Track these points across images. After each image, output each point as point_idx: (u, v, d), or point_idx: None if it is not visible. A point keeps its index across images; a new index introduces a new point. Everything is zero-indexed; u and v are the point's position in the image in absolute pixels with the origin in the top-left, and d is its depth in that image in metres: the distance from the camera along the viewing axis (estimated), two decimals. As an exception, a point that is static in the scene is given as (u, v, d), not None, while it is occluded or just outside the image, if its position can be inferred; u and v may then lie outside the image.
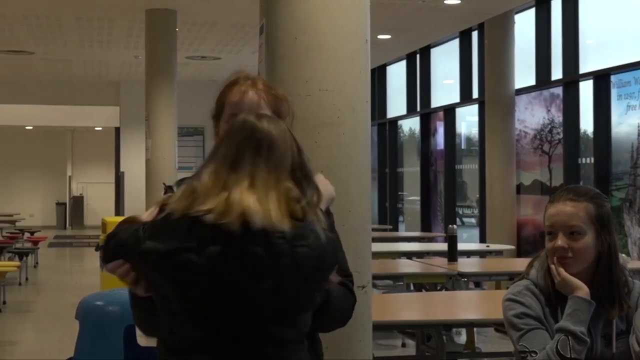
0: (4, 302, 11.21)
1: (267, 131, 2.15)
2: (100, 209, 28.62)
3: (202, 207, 2.06)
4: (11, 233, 18.07)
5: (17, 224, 19.62)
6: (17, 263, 13.87)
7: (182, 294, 2.06)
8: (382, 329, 5.60)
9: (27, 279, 14.36)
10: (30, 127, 28.67)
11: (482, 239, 12.64)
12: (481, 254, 9.79)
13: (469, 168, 14.39)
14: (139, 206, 15.29)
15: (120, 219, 10.85)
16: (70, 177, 33.70)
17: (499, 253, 9.72)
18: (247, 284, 2.02)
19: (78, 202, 33.13)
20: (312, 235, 2.08)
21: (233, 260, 2.01)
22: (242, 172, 2.09)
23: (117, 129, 22.61)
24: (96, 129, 28.20)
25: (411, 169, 16.63)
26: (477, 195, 13.59)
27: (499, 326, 6.04)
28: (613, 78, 10.06)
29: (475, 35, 13.58)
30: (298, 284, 2.06)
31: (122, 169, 22.14)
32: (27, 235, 18.57)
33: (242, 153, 2.12)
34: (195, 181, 2.17)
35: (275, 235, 2.02)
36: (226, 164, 2.13)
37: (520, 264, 7.41)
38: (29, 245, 17.39)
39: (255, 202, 2.03)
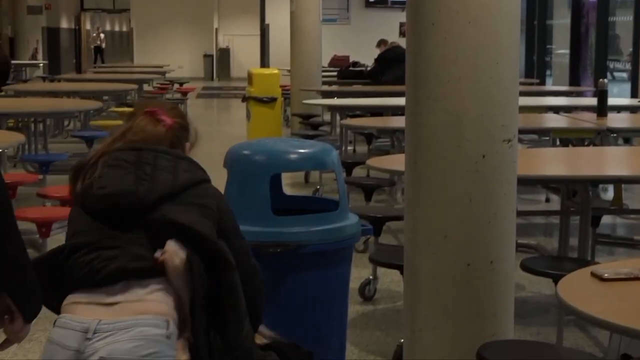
0: (156, 150, 11.61)
1: None
2: (246, 61, 28.95)
3: None
4: (161, 84, 18.58)
5: (167, 75, 20.13)
6: (168, 113, 14.29)
7: None
8: (527, 183, 5.55)
9: (177, 128, 14.78)
10: (178, -21, 29.02)
11: (634, 94, 12.20)
12: (632, 109, 9.47)
13: (622, 20, 13.77)
14: (284, 59, 15.39)
15: (266, 70, 11.06)
16: (216, 29, 34.12)
17: (651, 109, 9.39)
18: None
19: (224, 54, 33.64)
20: None
21: None
22: None
23: (262, -19, 22.60)
24: (241, -20, 28.30)
25: (561, 21, 16.05)
26: (630, 49, 13.04)
27: (648, 183, 5.90)
28: None
29: None
30: None
31: (267, 21, 22.24)
32: (176, 86, 19.08)
33: None
34: None
35: None
36: None
37: (673, 120, 7.17)
38: (178, 95, 17.89)
39: None
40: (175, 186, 2.52)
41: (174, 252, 2.39)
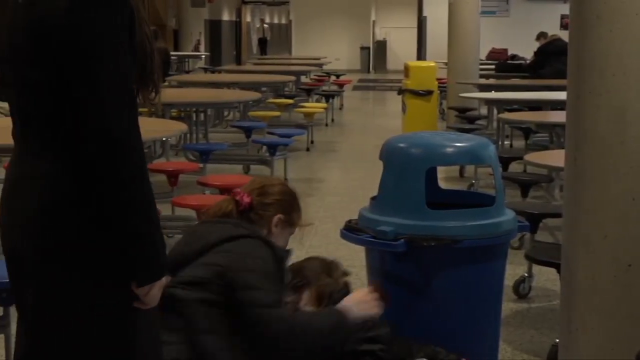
0: (312, 142, 11.78)
1: None
2: (403, 54, 28.95)
3: None
4: (319, 76, 18.78)
5: (324, 67, 20.33)
6: (324, 105, 14.47)
7: None
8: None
9: (332, 120, 14.96)
10: (337, -28, 29.23)
11: None
12: None
13: None
14: (441, 51, 15.30)
15: (423, 63, 10.96)
16: (374, 21, 34.23)
17: None
18: None
19: (381, 47, 33.73)
20: None
21: None
22: None
23: (421, -27, 22.51)
24: (400, -27, 28.26)
25: None
26: None
27: None
28: None
29: None
30: None
31: (424, 14, 22.15)
32: (333, 78, 19.25)
33: None
34: None
35: None
36: None
37: None
38: (334, 87, 18.04)
39: None
40: (200, 246, 2.91)
41: None
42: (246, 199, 3.02)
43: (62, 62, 2.01)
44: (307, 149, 11.43)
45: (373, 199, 3.50)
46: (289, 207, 3.11)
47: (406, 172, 3.36)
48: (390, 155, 3.46)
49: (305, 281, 3.14)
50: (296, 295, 3.11)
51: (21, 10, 2.06)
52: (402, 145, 3.49)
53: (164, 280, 2.15)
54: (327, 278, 3.16)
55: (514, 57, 17.43)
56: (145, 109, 2.26)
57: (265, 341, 2.84)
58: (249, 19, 38.78)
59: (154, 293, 2.13)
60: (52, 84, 2.03)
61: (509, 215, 3.43)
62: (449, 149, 3.47)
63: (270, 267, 2.88)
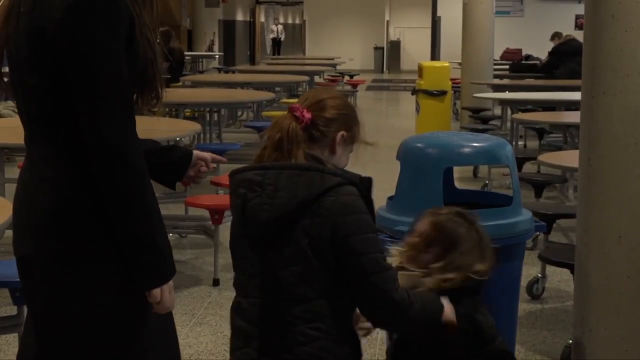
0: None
1: None
2: (417, 54, 28.89)
3: None
4: (332, 76, 18.79)
5: (338, 67, 20.31)
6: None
7: None
8: None
9: (346, 120, 14.92)
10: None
11: None
12: None
13: None
14: (455, 51, 15.28)
15: (436, 63, 10.90)
16: (388, 21, 34.20)
17: None
18: None
19: (395, 47, 33.68)
20: None
21: None
22: None
23: (435, -27, 22.48)
24: (413, -27, 28.22)
25: None
26: None
27: None
28: None
29: None
30: None
31: (438, 14, 22.11)
32: (346, 78, 19.25)
33: None
34: None
35: None
36: None
37: None
38: (348, 87, 18.04)
39: None
40: (289, 210, 2.48)
41: None
42: (307, 114, 2.61)
43: (60, 69, 2.04)
44: (321, 149, 11.40)
45: (390, 198, 3.50)
46: (350, 121, 2.77)
47: (424, 172, 3.36)
48: (408, 155, 3.45)
49: (453, 258, 2.75)
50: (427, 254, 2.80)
51: (23, 19, 2.10)
52: (419, 145, 3.48)
53: (172, 283, 2.15)
54: (479, 262, 2.75)
55: (528, 57, 17.39)
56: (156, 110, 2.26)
57: (387, 307, 2.50)
58: (263, 19, 38.82)
59: (166, 298, 2.13)
60: (54, 91, 2.06)
61: (526, 215, 3.43)
62: (467, 149, 3.46)
63: (368, 216, 2.52)
